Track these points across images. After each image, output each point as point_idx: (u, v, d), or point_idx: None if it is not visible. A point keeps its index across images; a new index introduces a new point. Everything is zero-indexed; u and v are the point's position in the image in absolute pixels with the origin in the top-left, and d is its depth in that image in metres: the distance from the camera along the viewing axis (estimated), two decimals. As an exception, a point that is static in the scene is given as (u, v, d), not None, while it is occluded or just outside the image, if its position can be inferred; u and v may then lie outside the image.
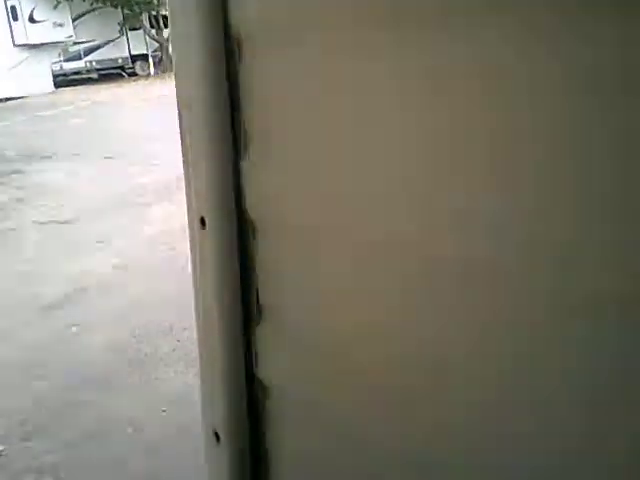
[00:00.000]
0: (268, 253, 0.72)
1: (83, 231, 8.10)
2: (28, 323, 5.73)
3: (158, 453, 3.51)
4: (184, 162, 0.80)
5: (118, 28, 29.91)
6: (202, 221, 0.76)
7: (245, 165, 0.71)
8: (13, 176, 10.77)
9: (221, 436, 0.79)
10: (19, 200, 9.74)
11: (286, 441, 0.74)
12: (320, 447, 0.70)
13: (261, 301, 0.73)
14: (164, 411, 3.93)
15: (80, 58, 29.34)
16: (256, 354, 0.75)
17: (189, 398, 4.02)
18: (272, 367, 0.73)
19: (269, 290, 0.73)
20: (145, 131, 11.53)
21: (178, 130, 0.85)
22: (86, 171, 10.42)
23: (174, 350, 4.68)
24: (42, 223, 8.77)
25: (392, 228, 0.57)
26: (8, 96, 23.75)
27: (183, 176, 0.84)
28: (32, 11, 25.88)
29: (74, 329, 5.39)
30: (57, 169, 10.67)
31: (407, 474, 0.60)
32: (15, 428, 4.05)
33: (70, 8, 27.16)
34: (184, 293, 4.78)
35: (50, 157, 11.45)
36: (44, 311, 5.90)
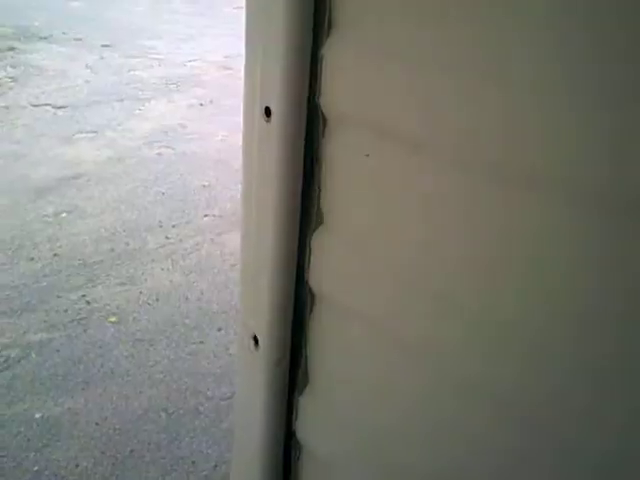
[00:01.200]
0: (336, 152, 0.65)
1: (78, 118, 7.84)
2: (18, 205, 5.62)
3: (142, 342, 3.53)
4: (247, 44, 0.71)
5: None
6: (267, 111, 0.68)
7: (327, 54, 0.63)
8: (9, 53, 10.28)
9: (260, 341, 0.75)
10: (14, 79, 9.34)
11: (327, 353, 0.70)
12: (363, 365, 0.66)
13: (322, 206, 0.67)
14: (149, 304, 3.92)
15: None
16: (309, 259, 0.70)
17: (174, 295, 4.02)
18: (325, 274, 0.68)
19: (332, 196, 0.66)
20: (148, 24, 11.02)
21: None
22: (84, 57, 9.97)
23: (162, 246, 4.64)
24: (36, 105, 8.45)
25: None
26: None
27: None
28: None
29: (64, 215, 5.30)
30: (54, 52, 10.20)
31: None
32: (2, 305, 4.03)
33: None
34: (177, 193, 4.70)
35: (47, 38, 10.92)
36: (34, 194, 5.77)
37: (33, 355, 3.53)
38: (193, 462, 2.77)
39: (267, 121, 0.70)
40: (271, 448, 0.82)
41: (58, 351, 3.54)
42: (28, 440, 2.90)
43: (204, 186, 5.66)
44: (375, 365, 0.65)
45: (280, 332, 0.74)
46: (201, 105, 8.14)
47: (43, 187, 5.92)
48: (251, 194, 0.76)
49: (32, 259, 4.63)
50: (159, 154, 6.64)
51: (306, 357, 0.74)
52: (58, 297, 4.09)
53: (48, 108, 8.34)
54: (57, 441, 2.89)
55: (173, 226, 4.93)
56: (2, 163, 6.50)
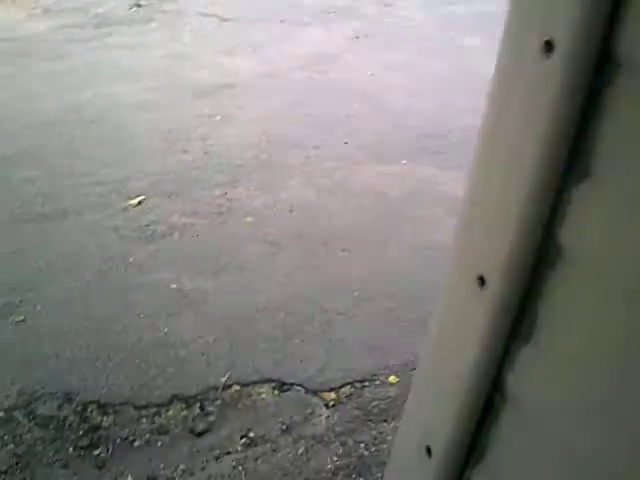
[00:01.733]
0: (626, 103, 0.58)
1: (240, 32, 8.07)
2: (178, 102, 5.94)
3: (273, 245, 3.71)
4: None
5: None
6: (547, 45, 0.60)
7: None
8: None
9: (487, 280, 0.71)
10: (187, -14, 9.70)
11: (561, 311, 0.68)
12: (597, 323, 0.63)
13: (591, 158, 0.64)
14: (283, 214, 4.08)
15: None
16: (563, 215, 0.65)
17: (306, 209, 4.15)
18: (586, 233, 0.65)
19: (607, 149, 0.59)
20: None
21: None
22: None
23: (302, 164, 4.77)
24: (204, 15, 8.77)
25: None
26: None
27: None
28: None
29: (217, 118, 5.56)
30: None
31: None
32: (155, 187, 4.35)
33: None
34: (322, 117, 4.77)
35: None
36: (193, 95, 6.07)
37: (176, 235, 3.81)
38: (301, 361, 2.92)
39: (547, 57, 0.61)
40: (475, 390, 0.77)
41: (198, 236, 3.80)
42: (162, 305, 3.18)
43: (348, 116, 5.70)
44: (613, 324, 0.62)
45: (514, 280, 0.70)
46: (356, 38, 8.09)
47: (202, 90, 6.20)
48: (499, 131, 0.71)
49: (185, 152, 4.93)
50: (310, 78, 6.73)
51: (536, 310, 0.71)
52: (202, 189, 4.36)
53: (214, 19, 8.63)
54: (186, 312, 3.14)
55: (314, 147, 5.05)
56: (170, 62, 6.86)
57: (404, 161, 4.73)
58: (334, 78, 6.72)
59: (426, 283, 3.31)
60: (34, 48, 7.13)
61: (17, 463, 2.21)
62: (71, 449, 2.28)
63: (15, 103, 5.85)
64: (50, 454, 2.25)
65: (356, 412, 2.58)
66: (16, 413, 2.43)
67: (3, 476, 2.16)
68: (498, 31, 0.71)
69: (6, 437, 2.33)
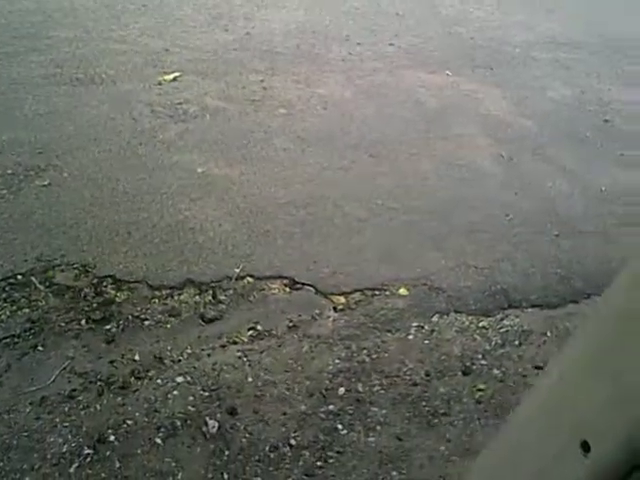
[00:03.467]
0: None
1: None
2: None
3: (302, 141, 3.50)
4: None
5: None
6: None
7: None
8: None
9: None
10: None
11: None
12: None
13: None
14: (316, 109, 3.84)
15: None
16: None
17: (341, 106, 3.90)
18: None
19: None
20: None
21: None
22: None
23: (343, 60, 4.45)
24: None
25: None
26: None
27: None
28: None
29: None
30: None
31: None
32: (192, 64, 4.08)
33: None
34: (370, 13, 4.38)
35: None
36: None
37: (207, 117, 3.61)
38: (315, 262, 2.81)
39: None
40: None
41: (229, 120, 3.60)
42: (186, 188, 3.04)
43: (397, 14, 5.26)
44: None
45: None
46: None
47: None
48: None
49: (226, 31, 4.60)
50: None
51: None
52: (239, 73, 4.09)
53: None
54: (209, 198, 3.00)
55: (358, 44, 4.69)
56: None
57: (448, 72, 4.39)
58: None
59: (451, 200, 3.14)
60: None
61: (30, 328, 2.18)
62: (83, 321, 2.24)
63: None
64: (63, 324, 2.22)
65: (363, 319, 2.50)
66: (33, 279, 2.38)
67: (16, 339, 2.14)
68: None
69: (22, 301, 2.29)
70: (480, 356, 2.35)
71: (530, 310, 2.61)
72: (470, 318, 2.54)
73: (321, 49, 4.53)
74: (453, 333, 2.46)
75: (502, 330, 2.50)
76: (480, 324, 2.52)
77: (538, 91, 4.18)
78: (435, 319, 2.51)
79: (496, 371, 2.28)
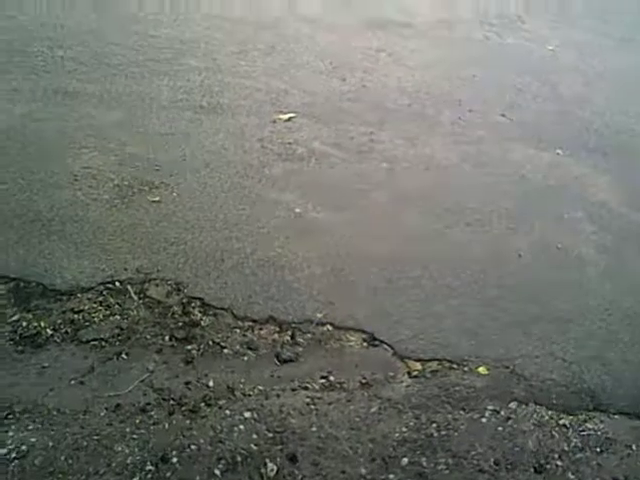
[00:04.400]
0: None
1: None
2: (349, 30, 5.69)
3: (402, 201, 3.50)
4: None
5: None
6: None
7: None
8: None
9: None
10: None
11: None
12: None
13: None
14: (426, 170, 3.84)
15: None
16: None
17: (445, 174, 3.88)
18: None
19: None
20: None
21: None
22: None
23: (453, 125, 4.44)
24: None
25: None
26: None
27: None
28: None
29: (383, 55, 5.27)
30: None
31: None
32: (307, 107, 4.20)
33: None
34: (488, 80, 4.36)
35: None
36: (367, 26, 5.78)
37: (313, 160, 3.69)
38: (397, 322, 2.78)
39: None
40: None
41: (333, 167, 3.66)
42: (282, 226, 3.10)
43: (514, 87, 5.23)
44: None
45: None
46: (542, 5, 7.34)
47: (373, 23, 5.92)
48: None
49: (344, 80, 4.74)
50: (486, 38, 6.23)
51: None
52: (350, 124, 4.18)
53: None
54: (302, 239, 3.04)
55: (469, 110, 4.69)
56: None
57: (559, 151, 4.28)
58: (513, 43, 6.17)
59: (544, 283, 3.01)
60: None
61: (119, 335, 2.27)
62: (167, 337, 2.30)
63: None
64: (148, 336, 2.29)
65: (437, 390, 2.42)
66: (130, 288, 2.49)
67: (104, 343, 2.23)
68: None
69: (115, 307, 2.40)
70: (556, 456, 2.21)
71: (617, 417, 2.43)
72: (550, 413, 2.40)
73: (432, 110, 4.56)
74: (530, 425, 2.33)
75: (583, 433, 2.34)
76: (560, 421, 2.37)
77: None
78: (513, 406, 2.39)
79: (571, 475, 2.13)
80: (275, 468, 1.94)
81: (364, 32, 5.73)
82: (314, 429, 2.11)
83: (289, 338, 2.47)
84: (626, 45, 6.60)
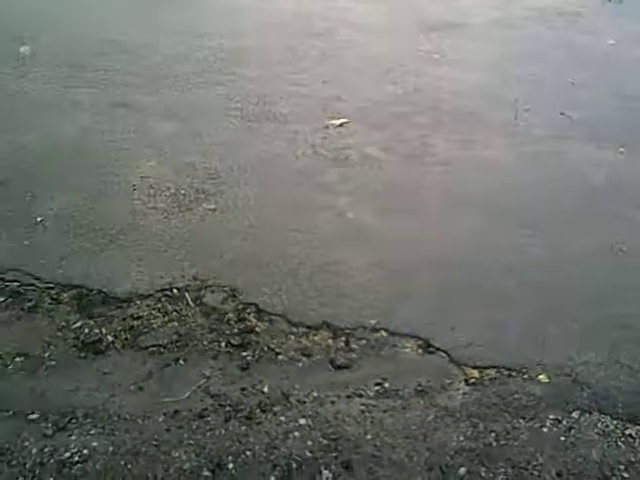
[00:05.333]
0: None
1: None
2: (401, 32, 5.65)
3: (458, 204, 3.43)
4: None
5: None
6: None
7: None
8: None
9: None
10: None
11: None
12: None
13: None
14: (484, 172, 3.75)
15: None
16: None
17: (504, 176, 3.78)
18: None
19: None
20: None
21: None
22: None
23: (509, 125, 4.32)
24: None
25: None
26: None
27: None
28: None
29: (436, 56, 5.20)
30: None
31: None
32: (359, 112, 4.19)
33: None
34: (549, 77, 4.20)
35: None
36: (419, 28, 5.74)
37: (367, 166, 3.67)
38: (453, 328, 2.71)
39: None
40: None
41: (387, 171, 3.62)
42: (336, 231, 3.09)
43: (573, 84, 5.05)
44: None
45: None
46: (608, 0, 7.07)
47: (425, 25, 5.84)
48: None
49: (395, 84, 4.70)
50: (548, 30, 6.04)
51: None
52: (403, 127, 4.13)
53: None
54: (357, 245, 3.02)
55: (526, 110, 4.55)
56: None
57: (621, 149, 4.10)
58: (571, 39, 5.96)
59: (607, 287, 2.88)
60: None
61: (177, 341, 2.31)
62: (224, 343, 2.32)
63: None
64: (205, 342, 2.32)
65: (495, 399, 2.34)
66: (187, 294, 2.53)
67: (162, 349, 2.28)
68: None
69: (173, 314, 2.44)
70: (622, 467, 2.10)
71: (686, 427, 2.30)
72: (615, 422, 2.28)
73: (488, 110, 4.45)
74: (594, 435, 2.22)
75: (651, 443, 2.23)
76: (627, 431, 2.26)
77: None
78: (575, 415, 2.29)
79: (640, 489, 2.02)
80: (330, 476, 1.92)
81: (416, 35, 5.67)
82: (369, 437, 2.08)
83: (343, 344, 2.45)
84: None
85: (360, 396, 2.25)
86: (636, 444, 2.23)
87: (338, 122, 4.10)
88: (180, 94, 4.37)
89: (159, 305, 2.49)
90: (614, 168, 3.90)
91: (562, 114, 4.54)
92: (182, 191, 3.28)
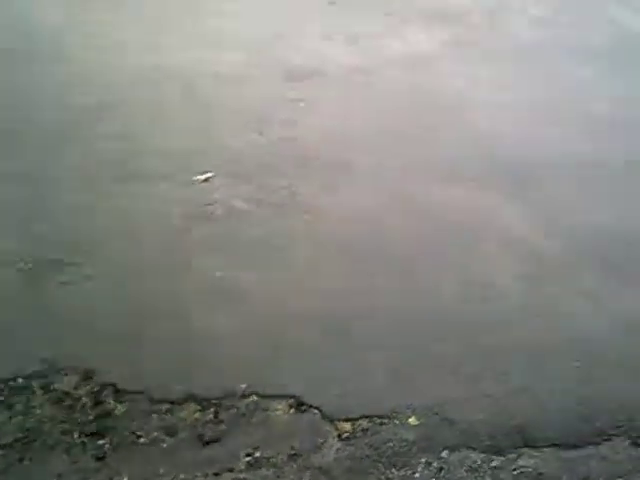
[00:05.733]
0: None
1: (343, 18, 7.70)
2: (263, 81, 5.72)
3: (328, 249, 3.47)
4: None
5: None
6: None
7: None
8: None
9: None
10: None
11: None
12: None
13: None
14: (348, 218, 3.82)
15: None
16: None
17: (367, 220, 3.87)
18: None
19: None
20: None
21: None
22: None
23: (371, 169, 4.47)
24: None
25: None
26: None
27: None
28: None
29: (301, 105, 5.30)
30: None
31: None
32: (224, 165, 4.16)
33: None
34: (404, 123, 4.35)
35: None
36: (282, 77, 5.83)
37: (234, 221, 3.62)
38: (323, 382, 2.70)
39: None
40: None
41: (254, 225, 3.60)
42: (203, 294, 3.01)
43: (427, 128, 5.34)
44: None
45: None
46: (454, 45, 7.60)
47: (291, 72, 5.96)
48: None
49: (261, 134, 4.71)
50: (401, 78, 6.37)
51: None
52: (269, 178, 4.14)
53: None
54: (223, 307, 2.96)
55: (391, 155, 4.73)
56: (265, 38, 6.60)
57: (472, 184, 4.36)
58: (421, 83, 6.32)
59: (469, 321, 3.01)
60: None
61: (23, 438, 2.11)
62: (76, 434, 2.15)
63: (104, 56, 5.71)
64: (56, 435, 2.14)
65: (368, 450, 2.35)
66: (34, 383, 2.33)
67: (6, 450, 2.06)
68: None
69: (18, 406, 2.23)
70: (490, 502, 2.17)
71: (547, 450, 2.42)
72: (482, 456, 2.36)
73: (353, 157, 4.56)
74: (463, 472, 2.29)
75: (515, 472, 2.32)
76: (492, 463, 2.34)
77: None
78: (445, 455, 2.34)
79: (507, 522, 2.08)
80: None
81: (281, 84, 5.76)
82: (240, 514, 2.00)
83: (212, 416, 2.36)
84: (534, 78, 6.87)
85: (230, 470, 2.16)
86: (502, 475, 2.31)
87: (203, 177, 4.05)
88: (24, 157, 4.11)
89: (1, 398, 2.27)
90: (466, 202, 4.12)
91: (419, 159, 4.77)
92: (29, 265, 3.05)
